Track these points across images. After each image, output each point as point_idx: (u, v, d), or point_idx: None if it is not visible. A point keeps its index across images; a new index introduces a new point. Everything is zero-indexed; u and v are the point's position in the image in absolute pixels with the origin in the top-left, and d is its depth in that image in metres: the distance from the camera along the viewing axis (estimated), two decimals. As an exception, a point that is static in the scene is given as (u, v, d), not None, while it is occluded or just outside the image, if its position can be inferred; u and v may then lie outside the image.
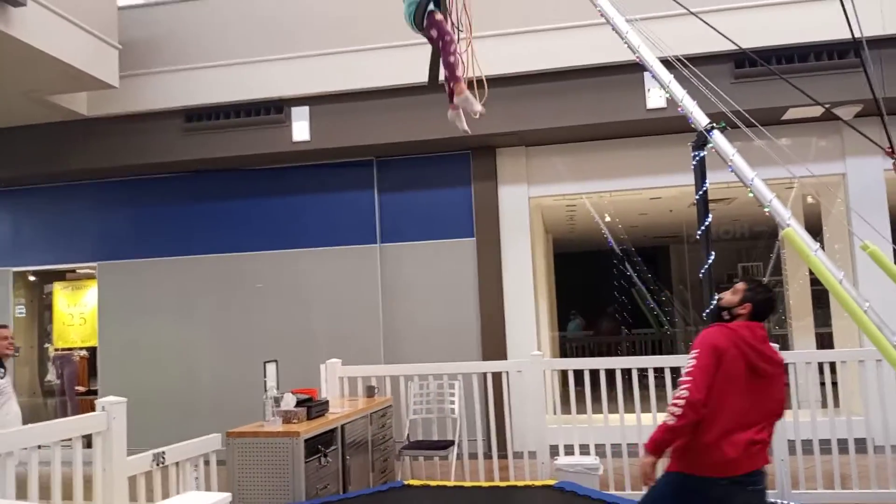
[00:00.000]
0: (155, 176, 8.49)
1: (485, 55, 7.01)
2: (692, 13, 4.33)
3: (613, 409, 5.73)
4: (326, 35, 7.54)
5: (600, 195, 8.55)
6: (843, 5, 3.71)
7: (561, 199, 8.60)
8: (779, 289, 9.91)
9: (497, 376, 6.07)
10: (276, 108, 7.67)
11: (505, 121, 7.30)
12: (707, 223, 4.36)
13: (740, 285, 3.26)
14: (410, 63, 6.59)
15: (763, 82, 6.67)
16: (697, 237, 4.34)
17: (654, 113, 7.07)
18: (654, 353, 12.69)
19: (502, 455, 5.90)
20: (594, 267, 15.82)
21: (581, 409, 6.07)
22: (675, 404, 2.88)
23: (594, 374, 5.75)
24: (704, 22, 4.29)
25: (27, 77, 6.70)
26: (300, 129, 7.58)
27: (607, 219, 10.44)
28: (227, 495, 1.38)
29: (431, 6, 3.21)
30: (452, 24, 3.29)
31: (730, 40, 4.20)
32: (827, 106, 6.56)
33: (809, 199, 8.40)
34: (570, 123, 7.32)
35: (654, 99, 7.07)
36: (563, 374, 5.79)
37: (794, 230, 3.65)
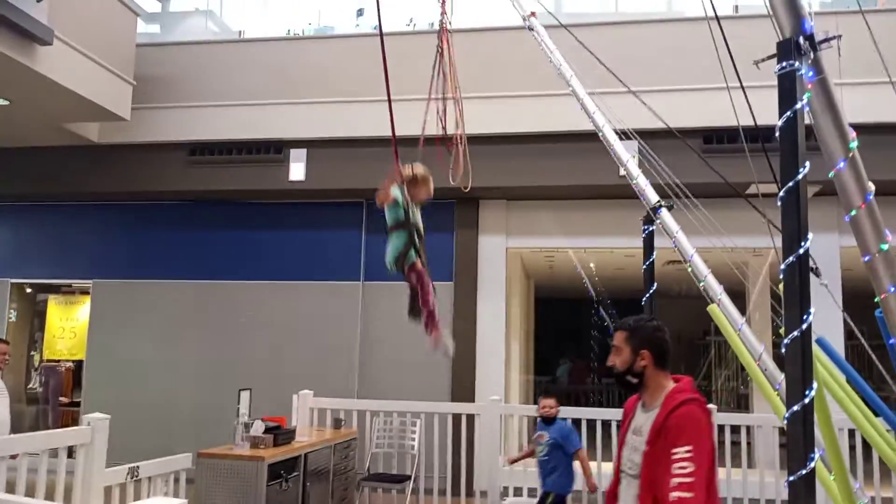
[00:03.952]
0: (156, 203, 8.94)
1: (475, 115, 7.59)
2: (632, 91, 4.85)
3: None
4: (326, 85, 8.07)
5: (576, 250, 9.01)
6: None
7: (538, 250, 9.06)
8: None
9: (457, 417, 6.44)
10: (276, 149, 8.15)
11: (489, 176, 7.78)
12: (652, 290, 4.78)
13: (618, 337, 2.69)
14: (404, 116, 7.09)
15: (729, 158, 7.17)
16: (642, 304, 4.76)
17: (626, 179, 7.56)
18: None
19: (456, 493, 6.24)
20: (576, 314, 16.23)
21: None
22: None
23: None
24: (641, 101, 4.82)
25: (46, 106, 7.14)
26: (297, 169, 8.06)
27: (588, 270, 10.85)
28: (184, 501, 1.76)
29: (413, 257, 3.60)
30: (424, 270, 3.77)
31: (660, 118, 4.70)
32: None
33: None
34: (549, 183, 7.83)
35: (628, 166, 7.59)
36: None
37: (717, 308, 4.10)
